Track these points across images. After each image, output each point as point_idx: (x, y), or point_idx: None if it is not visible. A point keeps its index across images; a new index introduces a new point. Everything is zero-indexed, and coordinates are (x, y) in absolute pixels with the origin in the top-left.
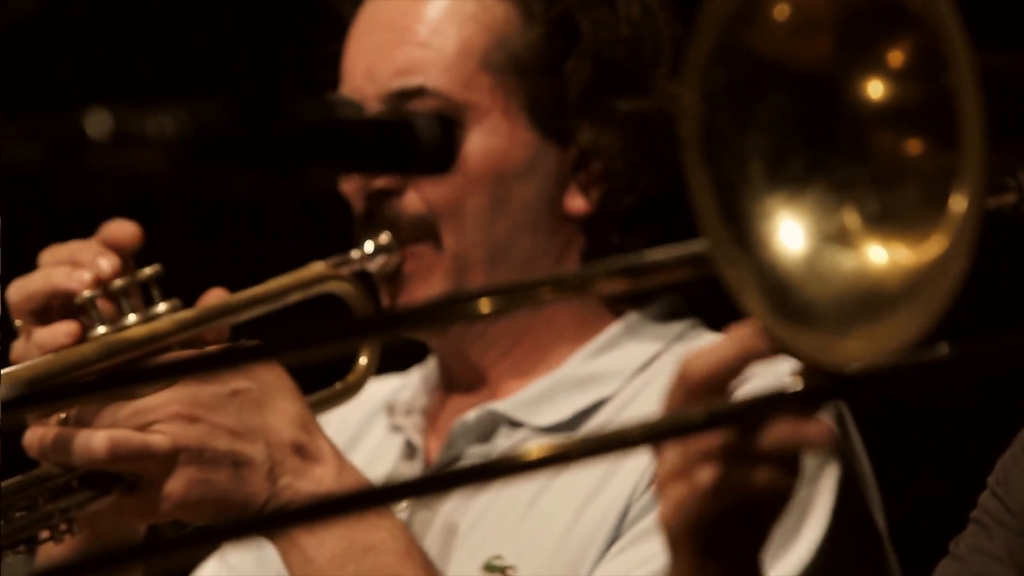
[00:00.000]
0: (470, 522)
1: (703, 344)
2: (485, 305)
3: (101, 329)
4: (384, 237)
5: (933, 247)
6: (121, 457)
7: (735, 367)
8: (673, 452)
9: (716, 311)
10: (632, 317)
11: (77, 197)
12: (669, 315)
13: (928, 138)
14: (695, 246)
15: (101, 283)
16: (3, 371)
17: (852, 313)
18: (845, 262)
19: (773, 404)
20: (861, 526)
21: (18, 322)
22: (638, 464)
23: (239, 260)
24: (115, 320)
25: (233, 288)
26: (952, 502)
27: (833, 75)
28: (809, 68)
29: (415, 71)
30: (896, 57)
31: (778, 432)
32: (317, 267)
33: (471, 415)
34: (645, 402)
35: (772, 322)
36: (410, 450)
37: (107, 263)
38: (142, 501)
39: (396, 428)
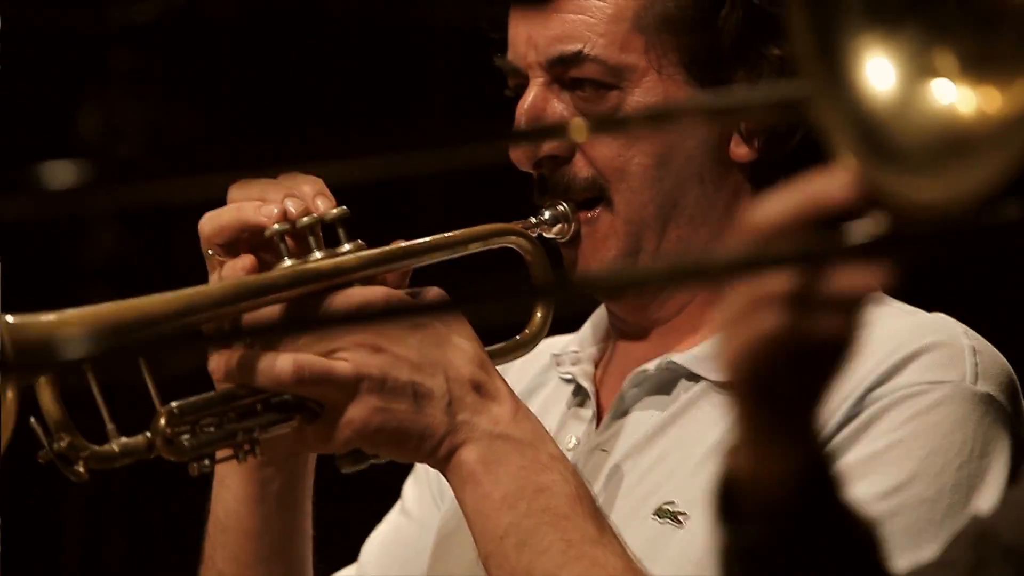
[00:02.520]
0: (645, 467)
1: (882, 311)
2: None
3: (289, 262)
4: (561, 207)
5: (1022, 96)
6: (305, 380)
7: (801, 214)
8: (736, 297)
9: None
10: None
11: None
12: None
13: None
14: (789, 87)
15: (289, 219)
16: (197, 287)
17: (938, 154)
18: (934, 102)
19: (834, 252)
20: None
21: (209, 251)
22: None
23: None
24: (302, 255)
25: None
26: None
27: None
28: None
29: (573, 37)
30: None
31: (835, 280)
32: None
33: (651, 365)
34: None
35: (863, 161)
36: (581, 397)
37: (294, 203)
38: (322, 429)
39: (565, 379)
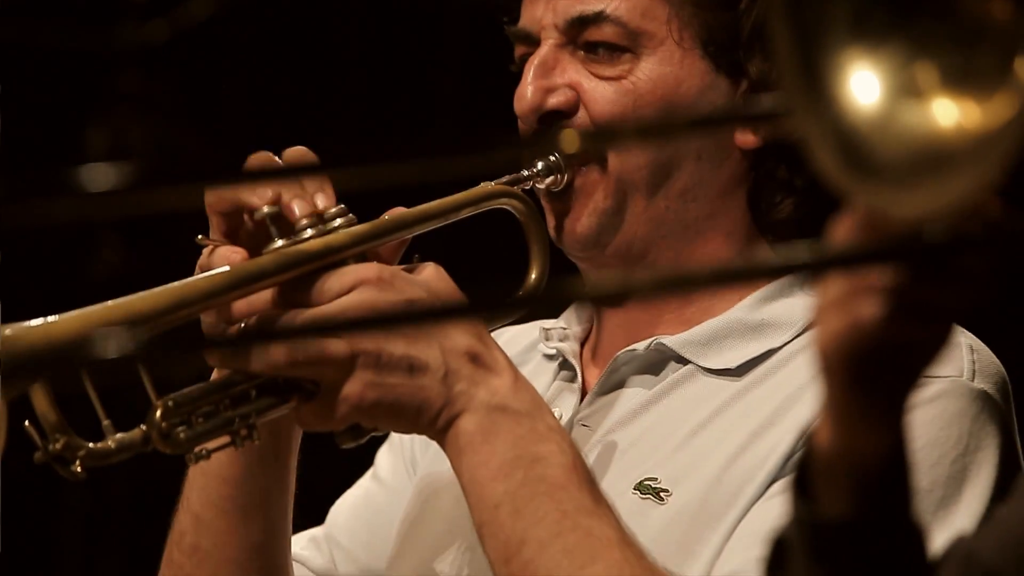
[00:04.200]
0: (628, 443)
1: None
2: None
3: (279, 242)
4: (554, 157)
5: (1000, 111)
6: (299, 362)
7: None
8: (837, 282)
9: None
10: None
11: None
12: None
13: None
14: (773, 100)
15: (280, 199)
16: (185, 280)
17: (917, 168)
18: (915, 117)
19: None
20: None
21: (199, 237)
22: (809, 410)
23: None
24: (292, 233)
25: None
26: None
27: None
28: None
29: None
30: None
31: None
32: (489, 185)
33: (640, 346)
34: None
35: (842, 175)
36: (568, 373)
37: (286, 190)
38: (320, 407)
39: (551, 355)
